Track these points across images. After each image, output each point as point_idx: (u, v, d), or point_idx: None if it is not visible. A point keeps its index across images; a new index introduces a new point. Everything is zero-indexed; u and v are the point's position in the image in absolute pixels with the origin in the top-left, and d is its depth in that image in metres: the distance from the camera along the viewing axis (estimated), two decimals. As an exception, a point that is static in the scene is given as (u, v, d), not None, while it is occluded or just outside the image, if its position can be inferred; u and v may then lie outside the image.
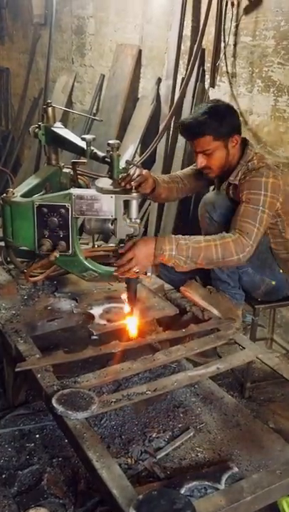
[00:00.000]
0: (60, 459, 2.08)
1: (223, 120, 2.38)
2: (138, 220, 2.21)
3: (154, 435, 2.13)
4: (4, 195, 2.25)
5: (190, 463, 2.00)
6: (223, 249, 2.21)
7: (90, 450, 1.63)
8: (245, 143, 2.49)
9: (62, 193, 2.25)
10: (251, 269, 2.53)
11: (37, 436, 2.20)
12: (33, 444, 2.16)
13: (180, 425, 2.19)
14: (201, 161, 2.43)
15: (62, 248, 2.23)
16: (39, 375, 1.96)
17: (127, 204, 2.16)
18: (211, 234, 2.43)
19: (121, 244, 2.21)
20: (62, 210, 2.19)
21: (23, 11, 6.59)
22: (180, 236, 2.23)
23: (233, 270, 2.53)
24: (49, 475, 1.99)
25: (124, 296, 2.34)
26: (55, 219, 2.20)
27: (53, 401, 1.78)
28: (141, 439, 2.11)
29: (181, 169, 3.90)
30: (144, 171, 2.42)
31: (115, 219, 2.18)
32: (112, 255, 2.36)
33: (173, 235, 2.24)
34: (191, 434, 2.13)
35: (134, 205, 2.17)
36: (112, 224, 2.20)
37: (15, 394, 2.36)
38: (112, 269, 2.32)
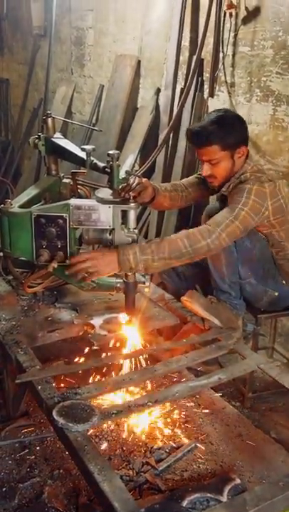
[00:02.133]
0: (61, 471, 2.06)
1: (231, 131, 2.37)
2: (136, 230, 2.20)
3: (155, 446, 2.11)
4: (2, 205, 2.25)
5: (192, 474, 1.99)
6: (188, 238, 2.20)
7: (91, 463, 1.61)
8: (246, 155, 2.47)
9: (60, 203, 2.25)
10: (254, 279, 2.52)
11: (37, 448, 2.19)
12: (33, 457, 2.14)
13: (181, 436, 2.18)
14: (206, 169, 2.42)
15: (60, 258, 2.22)
16: (40, 387, 1.95)
17: (124, 214, 2.16)
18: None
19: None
20: (60, 221, 2.18)
21: (23, 22, 6.63)
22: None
23: (235, 281, 2.52)
24: (50, 488, 1.97)
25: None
26: (53, 229, 2.20)
27: (54, 413, 1.77)
28: (142, 451, 2.10)
29: (181, 179, 3.91)
30: (144, 180, 2.42)
31: (113, 229, 2.18)
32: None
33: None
34: (193, 445, 2.12)
35: (131, 215, 2.17)
36: (110, 234, 2.20)
37: (15, 405, 2.35)
38: (111, 279, 2.31)
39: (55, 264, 2.20)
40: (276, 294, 2.56)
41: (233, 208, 2.26)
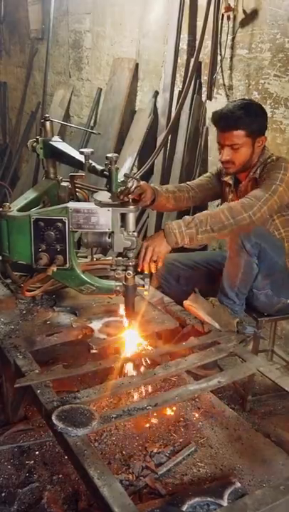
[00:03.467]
0: (60, 476, 2.05)
1: (256, 118, 2.42)
2: (135, 233, 2.20)
3: (154, 450, 2.10)
4: (0, 209, 2.24)
5: (192, 478, 1.98)
6: (230, 210, 2.23)
7: (91, 467, 1.60)
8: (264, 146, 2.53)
9: (59, 206, 2.24)
10: (271, 290, 2.53)
11: (37, 453, 2.17)
12: (32, 461, 2.13)
13: (181, 440, 2.17)
14: (226, 154, 2.45)
15: (59, 262, 2.22)
16: (39, 391, 1.94)
17: (124, 217, 2.16)
18: (238, 261, 2.46)
19: (118, 257, 2.21)
20: (59, 224, 2.18)
21: (20, 25, 6.64)
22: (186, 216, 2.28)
23: (244, 292, 2.53)
24: (49, 493, 1.96)
25: (122, 309, 2.33)
26: (52, 233, 2.19)
27: (53, 417, 1.76)
28: (142, 455, 2.09)
29: (179, 181, 3.93)
30: (142, 182, 2.42)
31: (112, 232, 2.17)
32: (109, 269, 2.36)
33: None
34: (193, 448, 2.11)
35: (131, 218, 2.16)
36: (109, 237, 2.19)
37: (14, 410, 2.34)
38: (110, 282, 2.31)
39: (54, 268, 2.19)
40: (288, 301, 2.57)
41: (271, 184, 2.33)
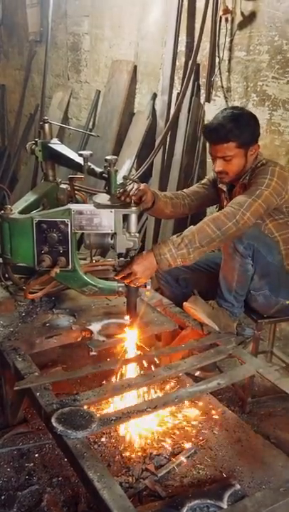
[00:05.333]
0: (60, 478, 2.05)
1: (248, 129, 2.40)
2: (137, 234, 2.20)
3: (154, 452, 2.10)
4: (2, 211, 2.24)
5: (192, 480, 1.98)
6: (214, 222, 2.23)
7: (91, 470, 1.60)
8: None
9: (61, 208, 2.24)
10: (269, 291, 2.53)
11: (36, 455, 2.17)
12: (32, 464, 2.13)
13: (181, 442, 2.17)
14: (219, 165, 2.45)
15: (62, 264, 2.21)
16: (38, 394, 1.94)
17: (126, 218, 2.16)
18: (233, 264, 2.46)
19: (120, 259, 2.21)
20: (62, 226, 2.17)
21: (19, 28, 6.64)
22: (172, 236, 2.27)
23: (242, 294, 2.53)
24: (49, 495, 1.96)
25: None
26: (55, 235, 2.18)
27: (53, 420, 1.76)
28: (141, 457, 2.09)
29: (178, 183, 3.93)
30: (142, 185, 2.42)
31: (115, 233, 2.17)
32: (112, 269, 2.35)
33: (166, 239, 2.26)
34: (192, 450, 2.11)
35: (133, 219, 2.16)
36: (111, 238, 2.19)
37: (13, 412, 2.33)
38: (112, 283, 2.30)
39: (57, 270, 2.19)
40: (288, 302, 2.56)
41: (256, 189, 2.32)
